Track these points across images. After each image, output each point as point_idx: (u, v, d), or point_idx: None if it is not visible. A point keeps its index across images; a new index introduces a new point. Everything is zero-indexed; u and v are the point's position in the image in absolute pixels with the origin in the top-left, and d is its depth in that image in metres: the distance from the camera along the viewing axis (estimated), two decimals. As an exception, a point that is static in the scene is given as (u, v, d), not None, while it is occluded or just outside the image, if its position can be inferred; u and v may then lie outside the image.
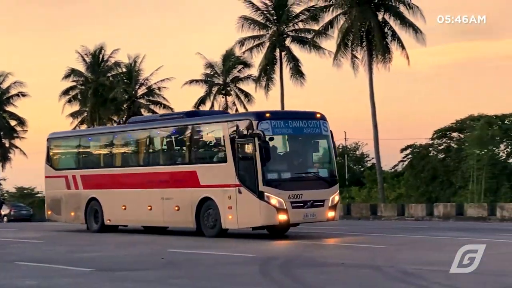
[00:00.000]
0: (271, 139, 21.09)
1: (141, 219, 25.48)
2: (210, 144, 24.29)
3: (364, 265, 15.72)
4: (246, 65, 56.84)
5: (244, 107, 57.48)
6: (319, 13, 47.99)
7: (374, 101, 44.14)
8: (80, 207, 26.71)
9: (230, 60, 57.46)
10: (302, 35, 51.77)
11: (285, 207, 20.96)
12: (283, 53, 51.51)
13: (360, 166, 65.76)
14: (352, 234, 25.03)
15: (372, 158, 56.39)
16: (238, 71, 58.50)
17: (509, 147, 50.51)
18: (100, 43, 62.73)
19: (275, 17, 51.17)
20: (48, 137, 29.49)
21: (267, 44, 51.60)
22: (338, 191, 22.96)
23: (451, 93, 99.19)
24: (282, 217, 20.99)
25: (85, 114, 62.87)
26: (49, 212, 28.62)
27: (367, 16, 44.66)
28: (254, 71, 54.92)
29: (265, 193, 20.97)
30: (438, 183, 46.31)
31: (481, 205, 34.90)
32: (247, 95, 57.91)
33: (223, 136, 22.45)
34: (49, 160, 28.90)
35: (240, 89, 58.61)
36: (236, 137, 21.81)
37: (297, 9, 50.86)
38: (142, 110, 61.92)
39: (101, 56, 62.42)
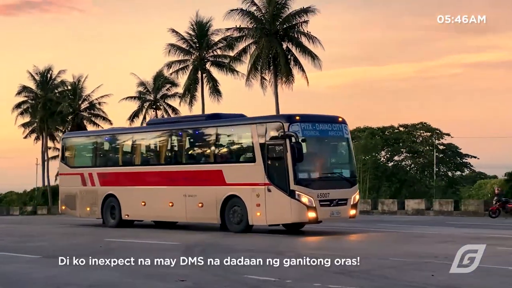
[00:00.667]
0: (304, 140, 19.55)
1: (161, 215, 23.25)
2: (237, 145, 22.25)
3: (269, 251, 15.73)
4: (173, 84, 56.40)
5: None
6: (234, 42, 47.73)
7: (279, 115, 43.32)
8: (97, 202, 24.50)
9: (160, 80, 56.99)
10: (220, 60, 51.32)
11: (314, 205, 19.55)
12: (204, 75, 51.12)
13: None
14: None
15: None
16: (166, 89, 58.01)
17: (389, 153, 51.73)
18: (48, 64, 62.19)
19: (197, 45, 50.72)
20: (62, 137, 27.44)
21: (191, 67, 51.06)
22: (358, 190, 21.73)
23: (342, 109, 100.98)
24: (311, 214, 19.61)
25: (35, 124, 61.97)
26: (63, 207, 26.24)
27: (274, 45, 44.55)
28: (180, 89, 54.33)
29: (296, 192, 19.49)
30: (331, 183, 46.55)
31: (366, 201, 35.65)
32: (174, 109, 57.40)
33: (252, 137, 20.64)
34: (63, 158, 26.71)
35: (168, 105, 58.11)
36: (266, 138, 20.05)
37: (215, 38, 50.64)
38: (85, 122, 61.11)
39: (49, 75, 61.58)
